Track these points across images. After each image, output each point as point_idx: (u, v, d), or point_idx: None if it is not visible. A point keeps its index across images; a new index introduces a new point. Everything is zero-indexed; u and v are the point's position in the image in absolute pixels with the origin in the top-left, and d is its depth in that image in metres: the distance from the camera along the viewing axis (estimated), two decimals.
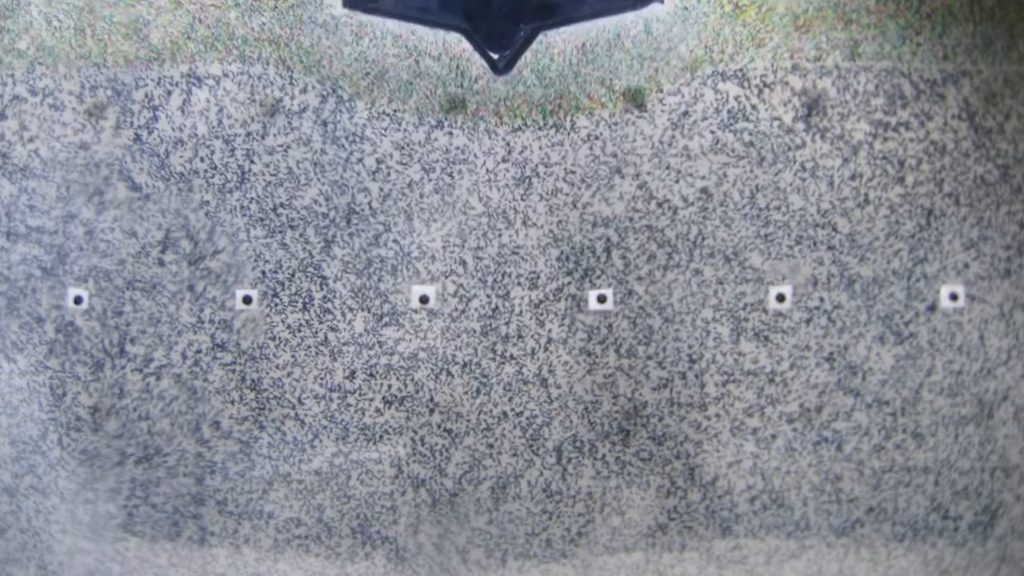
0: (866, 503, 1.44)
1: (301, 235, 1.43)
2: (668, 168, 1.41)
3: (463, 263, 1.43)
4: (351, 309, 1.44)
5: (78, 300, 1.44)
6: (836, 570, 1.46)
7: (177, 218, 1.43)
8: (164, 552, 1.47)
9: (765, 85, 1.40)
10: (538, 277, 1.43)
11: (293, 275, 1.44)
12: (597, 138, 1.41)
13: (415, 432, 1.45)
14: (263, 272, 1.44)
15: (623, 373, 1.43)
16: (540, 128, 1.41)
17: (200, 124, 1.42)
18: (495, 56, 1.39)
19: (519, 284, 1.43)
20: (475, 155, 1.42)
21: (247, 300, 1.43)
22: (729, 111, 1.40)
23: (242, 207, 1.43)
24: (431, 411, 1.45)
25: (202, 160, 1.42)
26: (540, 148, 1.42)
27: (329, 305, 1.44)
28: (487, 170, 1.42)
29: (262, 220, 1.43)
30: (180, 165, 1.42)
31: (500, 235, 1.43)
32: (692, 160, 1.41)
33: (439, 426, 1.45)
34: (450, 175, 1.42)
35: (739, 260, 1.41)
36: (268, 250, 1.43)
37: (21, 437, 1.47)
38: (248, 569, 1.47)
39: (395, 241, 1.43)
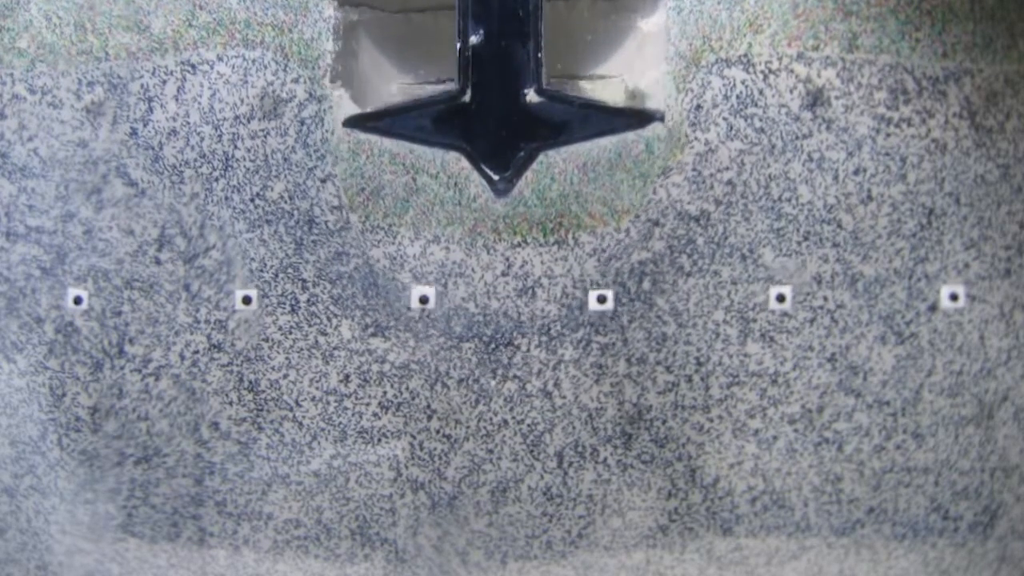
0: (866, 503, 1.39)
1: (275, 232, 1.37)
2: (702, 182, 1.35)
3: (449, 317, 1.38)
4: (335, 315, 1.37)
5: (78, 300, 1.38)
6: (836, 570, 1.40)
7: (171, 214, 1.37)
8: (163, 553, 1.41)
9: (770, 71, 1.34)
10: (549, 329, 1.37)
11: (277, 275, 1.38)
12: (604, 251, 1.36)
13: (413, 437, 1.39)
14: (250, 271, 1.38)
15: (631, 380, 1.37)
16: (541, 244, 1.35)
17: (193, 111, 1.36)
18: (495, 177, 1.34)
19: (525, 336, 1.37)
20: (472, 269, 1.36)
21: (247, 300, 1.37)
22: (738, 96, 1.34)
23: (226, 197, 1.37)
24: (429, 417, 1.39)
25: (193, 149, 1.36)
26: (542, 263, 1.36)
27: (314, 309, 1.38)
28: (485, 283, 1.36)
29: (244, 213, 1.37)
30: (173, 156, 1.36)
31: (497, 324, 1.37)
32: (714, 152, 1.35)
33: (438, 431, 1.39)
34: (444, 285, 1.36)
35: (754, 258, 1.36)
36: (252, 246, 1.37)
37: (21, 437, 1.41)
38: (247, 570, 1.41)
39: (357, 269, 1.37)
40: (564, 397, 1.37)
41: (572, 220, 1.35)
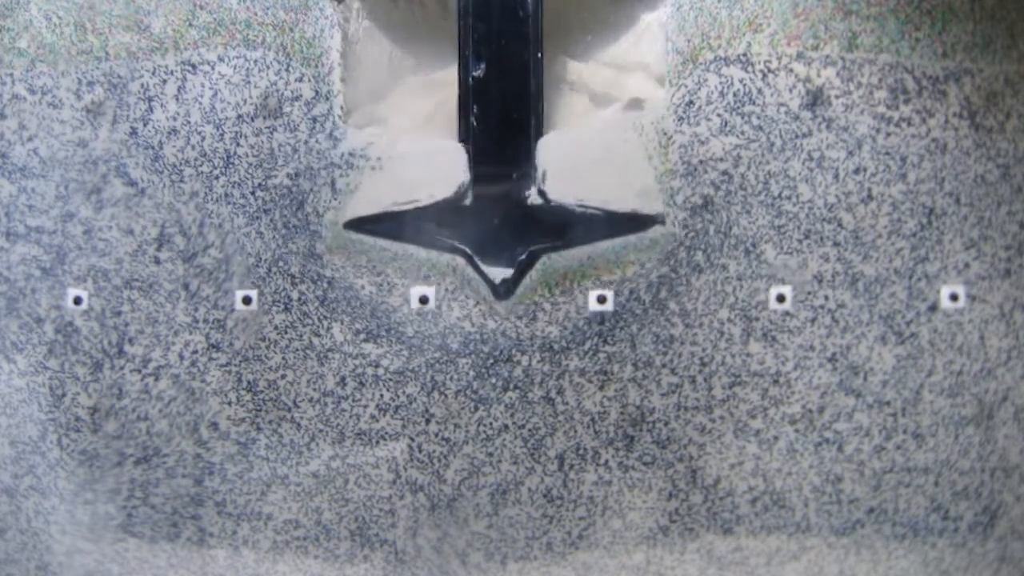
0: (867, 503, 1.34)
1: (271, 221, 1.32)
2: (693, 170, 1.31)
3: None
4: (324, 316, 1.33)
5: (77, 300, 1.34)
6: (837, 571, 1.36)
7: (171, 213, 1.33)
8: (163, 553, 1.37)
9: (769, 70, 1.30)
10: (551, 347, 1.33)
11: (270, 270, 1.34)
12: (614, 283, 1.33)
13: (412, 439, 1.35)
14: (247, 268, 1.33)
15: (635, 384, 1.33)
16: (546, 299, 1.32)
17: (194, 110, 1.31)
18: (497, 281, 1.31)
19: (525, 353, 1.33)
20: (466, 296, 1.32)
21: (247, 301, 1.34)
22: (735, 94, 1.30)
23: (226, 194, 1.32)
24: (427, 421, 1.35)
25: (193, 148, 1.32)
26: (550, 305, 1.32)
27: (306, 308, 1.33)
28: (481, 311, 1.32)
29: (243, 207, 1.32)
30: (174, 156, 1.32)
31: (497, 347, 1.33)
32: (704, 144, 1.30)
33: (436, 435, 1.35)
34: (437, 308, 1.32)
35: (757, 253, 1.31)
36: (249, 240, 1.33)
37: (21, 437, 1.37)
38: (247, 570, 1.37)
39: (335, 280, 1.33)
40: (567, 403, 1.34)
41: (577, 273, 1.31)
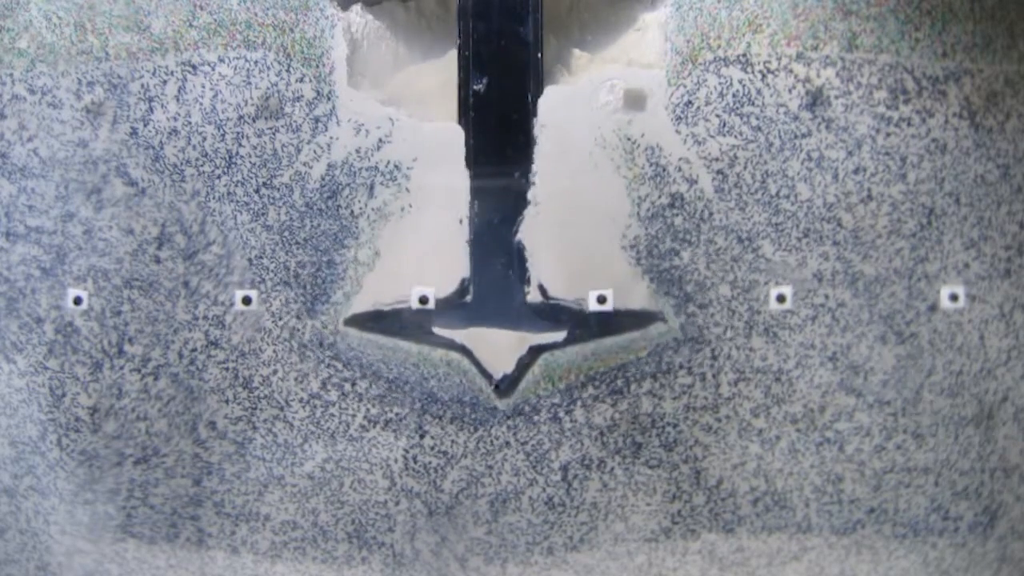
0: (867, 504, 1.31)
1: (279, 209, 1.30)
2: (664, 173, 1.29)
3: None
4: (295, 311, 1.30)
5: (77, 300, 1.31)
6: (837, 571, 1.33)
7: (172, 212, 1.30)
8: (163, 553, 1.34)
9: (768, 71, 1.27)
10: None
11: (270, 259, 1.30)
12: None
13: (406, 451, 1.31)
14: (249, 260, 1.30)
15: (650, 394, 1.30)
16: (550, 394, 1.29)
17: (195, 111, 1.29)
18: (497, 378, 1.28)
19: (530, 404, 1.30)
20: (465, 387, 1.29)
21: (247, 301, 1.31)
22: (734, 95, 1.27)
23: (228, 192, 1.30)
24: (421, 436, 1.31)
25: (195, 148, 1.29)
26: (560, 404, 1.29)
27: (286, 294, 1.31)
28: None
29: (247, 205, 1.29)
30: (174, 156, 1.29)
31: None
32: (701, 145, 1.28)
33: (432, 448, 1.31)
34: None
35: (754, 247, 1.28)
36: (253, 235, 1.30)
37: (21, 438, 1.34)
38: (246, 571, 1.34)
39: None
40: (575, 420, 1.31)
41: (582, 367, 1.29)
